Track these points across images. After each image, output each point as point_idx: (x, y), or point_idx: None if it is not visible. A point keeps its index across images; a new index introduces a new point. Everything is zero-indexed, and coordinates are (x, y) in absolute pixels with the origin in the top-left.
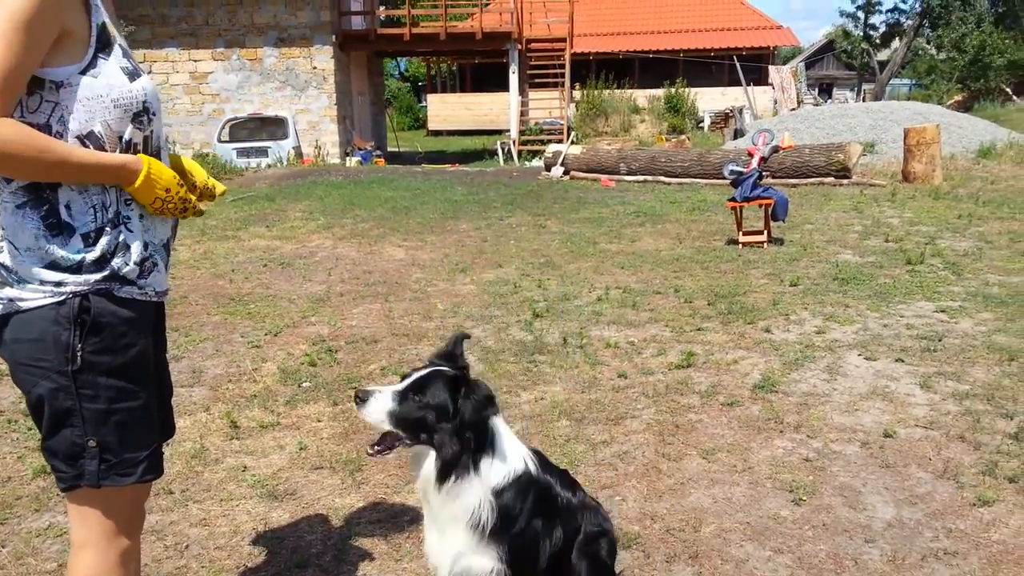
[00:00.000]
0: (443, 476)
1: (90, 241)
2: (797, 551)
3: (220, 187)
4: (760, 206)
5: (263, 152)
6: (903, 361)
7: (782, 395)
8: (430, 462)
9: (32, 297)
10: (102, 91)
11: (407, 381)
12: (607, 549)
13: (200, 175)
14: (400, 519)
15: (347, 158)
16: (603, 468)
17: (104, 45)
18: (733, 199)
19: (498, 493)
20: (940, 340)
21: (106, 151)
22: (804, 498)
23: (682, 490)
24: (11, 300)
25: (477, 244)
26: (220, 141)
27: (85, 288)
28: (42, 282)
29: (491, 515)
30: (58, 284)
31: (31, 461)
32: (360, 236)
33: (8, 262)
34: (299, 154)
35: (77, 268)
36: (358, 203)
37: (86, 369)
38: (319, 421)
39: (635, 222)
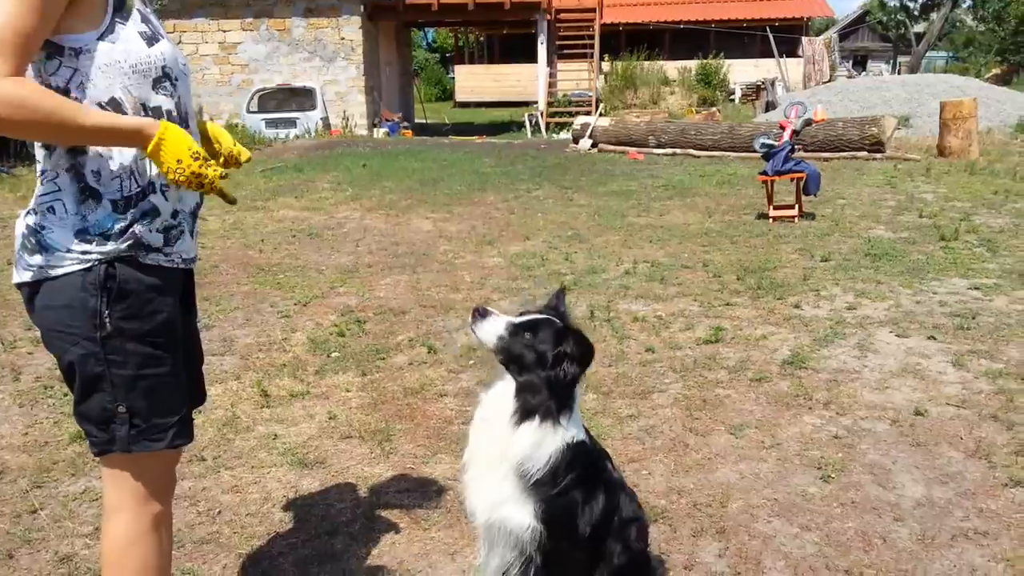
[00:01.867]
0: (522, 416)
1: (119, 208)
2: (825, 528)
3: (245, 153)
4: (792, 180)
5: (291, 123)
6: (935, 339)
7: (811, 371)
8: (510, 396)
9: (61, 264)
10: (120, 57)
11: (522, 317)
12: (637, 534)
13: (226, 141)
14: (428, 489)
15: (374, 129)
16: (630, 442)
17: (121, 9)
18: (764, 172)
19: (558, 452)
20: (974, 318)
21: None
22: (833, 475)
23: (709, 465)
24: (41, 267)
25: (504, 216)
26: (249, 112)
27: (110, 255)
28: (69, 250)
29: (542, 469)
30: (84, 252)
31: (67, 426)
32: (388, 207)
33: (40, 226)
34: (327, 125)
35: (104, 236)
36: (385, 174)
37: (114, 335)
38: (348, 391)
39: (664, 195)
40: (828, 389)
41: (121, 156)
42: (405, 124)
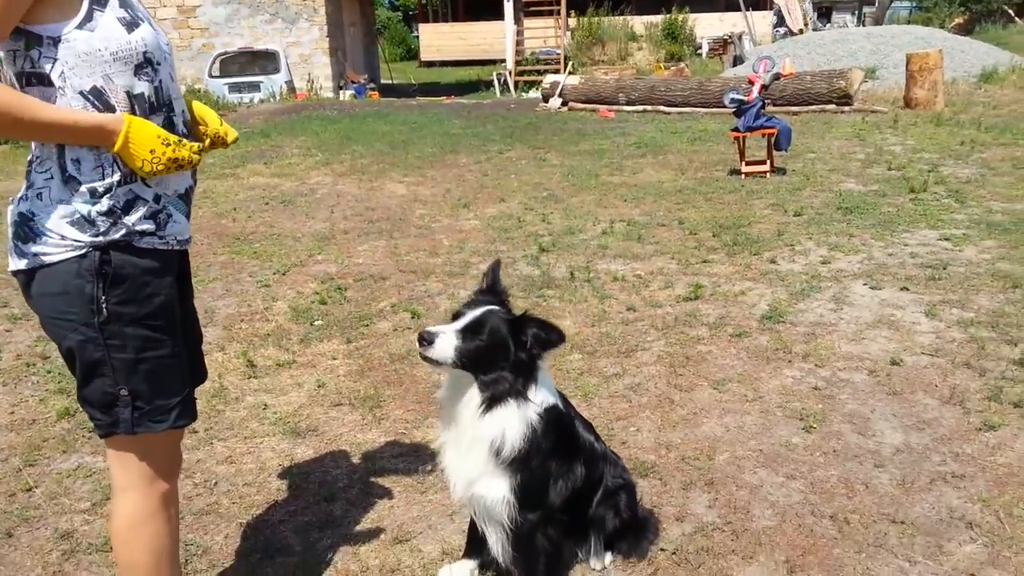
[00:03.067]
0: (490, 404)
1: (97, 195)
2: (809, 476)
3: (232, 134)
4: (763, 136)
5: (255, 87)
6: (908, 289)
7: (789, 325)
8: (473, 388)
9: (54, 252)
10: (100, 45)
11: (464, 320)
12: (627, 500)
13: (213, 122)
14: (421, 453)
15: (341, 91)
16: (616, 400)
17: None
18: (736, 129)
19: (531, 425)
20: (944, 268)
21: (111, 105)
22: (814, 426)
23: (695, 420)
24: (35, 255)
25: (478, 179)
26: (211, 76)
27: (103, 241)
28: (63, 237)
29: (516, 445)
30: (76, 239)
31: (53, 403)
32: (360, 172)
33: (32, 213)
34: (292, 88)
35: (91, 223)
36: (355, 138)
37: (112, 320)
38: (334, 359)
39: (636, 153)
40: (806, 342)
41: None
42: (371, 85)
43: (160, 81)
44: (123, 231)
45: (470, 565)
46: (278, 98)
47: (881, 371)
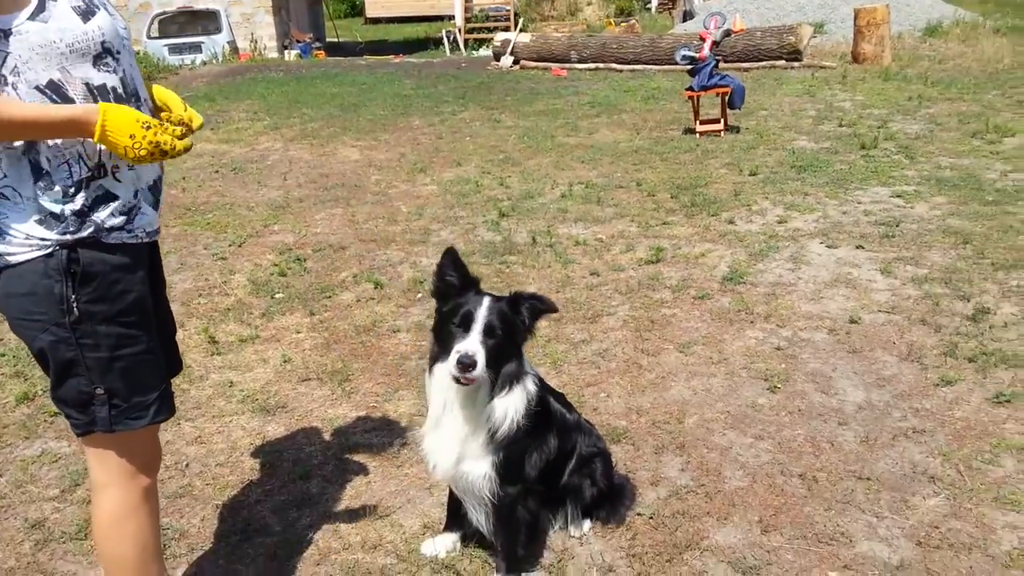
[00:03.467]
0: (502, 387)
1: (69, 193)
2: (776, 436)
3: (198, 119)
4: (717, 95)
5: (196, 48)
6: (863, 248)
7: (750, 286)
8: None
9: (19, 251)
10: (54, 37)
11: (479, 327)
12: (602, 468)
13: (176, 107)
14: (394, 427)
15: (285, 52)
16: (585, 366)
17: None
18: (691, 88)
19: (521, 404)
20: (897, 225)
21: (70, 99)
22: (779, 386)
23: (663, 384)
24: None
25: (432, 142)
26: (149, 37)
27: (70, 239)
28: (28, 236)
29: (508, 427)
30: (43, 238)
31: (11, 388)
32: (311, 137)
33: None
34: (235, 49)
35: (60, 220)
36: (303, 101)
37: (84, 319)
38: (299, 332)
39: (590, 113)
40: (767, 303)
41: (66, 141)
42: (317, 44)
43: (124, 71)
44: (91, 228)
45: (452, 537)
46: (221, 60)
47: (840, 330)
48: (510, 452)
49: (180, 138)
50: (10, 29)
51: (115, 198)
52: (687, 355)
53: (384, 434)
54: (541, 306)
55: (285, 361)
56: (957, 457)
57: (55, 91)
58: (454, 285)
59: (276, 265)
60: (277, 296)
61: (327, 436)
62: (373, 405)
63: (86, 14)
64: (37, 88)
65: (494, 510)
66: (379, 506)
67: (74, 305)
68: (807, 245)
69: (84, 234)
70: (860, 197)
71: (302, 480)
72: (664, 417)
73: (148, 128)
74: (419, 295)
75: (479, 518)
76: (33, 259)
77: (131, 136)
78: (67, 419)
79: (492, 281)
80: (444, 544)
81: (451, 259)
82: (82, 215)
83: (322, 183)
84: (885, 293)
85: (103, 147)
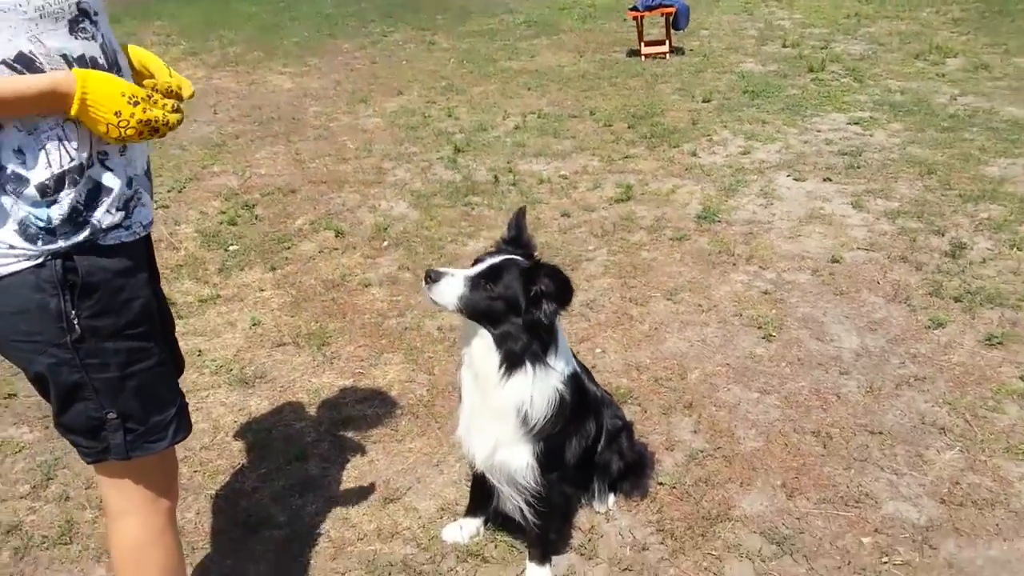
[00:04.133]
0: (511, 366)
1: (48, 192)
2: (781, 390)
3: (188, 86)
4: (662, 15)
5: None
6: (831, 180)
7: (725, 224)
8: (491, 349)
9: (3, 262)
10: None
11: (480, 266)
12: (628, 442)
13: (161, 74)
14: (386, 396)
15: None
16: (575, 319)
17: None
18: (635, 8)
19: (555, 394)
20: (860, 155)
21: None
22: (773, 333)
23: (657, 336)
24: None
25: (367, 67)
26: None
27: (63, 246)
28: (12, 246)
29: (546, 411)
30: (28, 248)
31: None
32: (235, 63)
33: None
34: None
35: (49, 232)
36: (219, 21)
37: (87, 336)
38: (262, 290)
39: (529, 34)
40: (746, 243)
41: (43, 124)
42: None
43: (103, 36)
44: (87, 230)
45: (476, 522)
46: None
47: (823, 270)
48: (551, 442)
49: (172, 112)
50: None
51: (108, 190)
52: (676, 303)
53: (377, 404)
54: (554, 287)
55: (254, 324)
56: (962, 406)
57: (27, 66)
58: (503, 240)
59: (224, 213)
60: (231, 248)
61: (315, 409)
62: (359, 372)
63: None
64: (4, 63)
65: (533, 498)
66: (388, 488)
67: (75, 322)
68: (775, 179)
69: (80, 238)
70: (818, 125)
71: (299, 461)
72: (665, 373)
73: (136, 104)
74: (385, 243)
75: (515, 505)
76: (21, 271)
77: (116, 113)
78: (74, 446)
79: (461, 225)
80: (468, 529)
81: (516, 217)
82: (75, 217)
83: (256, 116)
84: (861, 229)
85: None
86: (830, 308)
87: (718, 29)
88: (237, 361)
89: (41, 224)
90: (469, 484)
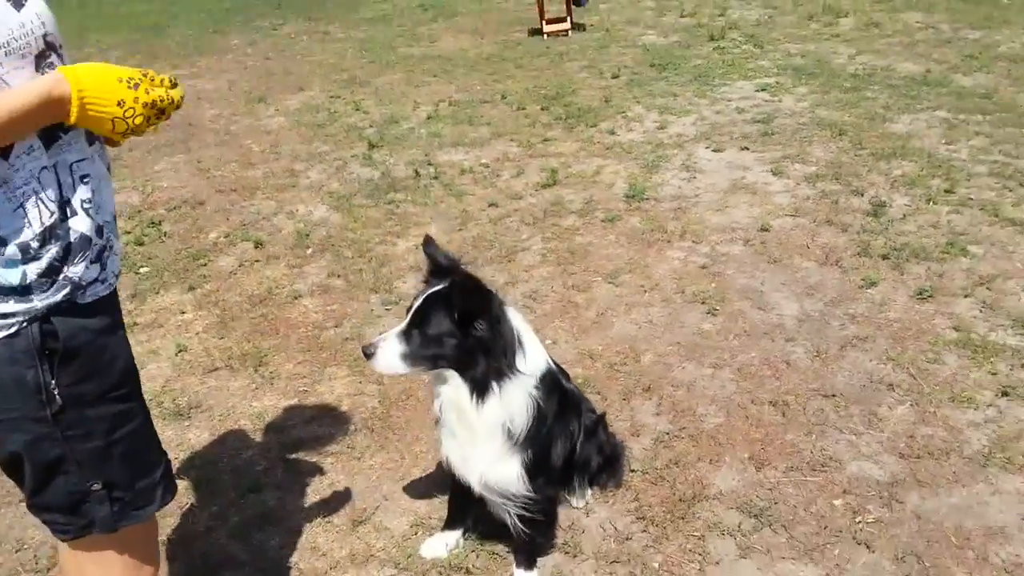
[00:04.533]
0: (480, 392)
1: (30, 252)
2: (733, 363)
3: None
4: None
5: None
6: (748, 149)
7: (653, 202)
8: (457, 382)
9: None
10: None
11: (408, 316)
12: (605, 435)
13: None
14: (334, 412)
15: None
16: (520, 311)
17: None
18: None
19: (531, 400)
20: (772, 122)
21: None
22: (717, 307)
23: (604, 321)
24: None
25: (261, 64)
26: None
27: (41, 308)
28: None
29: (526, 421)
30: (4, 315)
31: None
32: None
33: None
34: None
35: (24, 290)
36: (92, 26)
37: (69, 406)
38: (183, 313)
39: (426, 18)
40: (676, 219)
41: (18, 176)
42: None
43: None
44: (66, 288)
45: (455, 535)
46: None
47: (755, 239)
48: (537, 447)
49: (172, 87)
50: None
51: (86, 240)
52: (618, 286)
53: (328, 422)
54: (471, 303)
55: (180, 350)
56: (905, 361)
57: None
58: (428, 273)
59: (129, 233)
60: (142, 271)
61: (261, 435)
62: (303, 390)
63: (16, 0)
64: None
65: (524, 507)
66: (354, 509)
67: (55, 392)
68: (694, 152)
69: (59, 297)
70: (727, 94)
71: (253, 493)
72: (619, 358)
73: (136, 86)
74: (309, 250)
75: (507, 517)
76: None
77: (119, 103)
78: (48, 525)
79: (387, 225)
80: (446, 543)
81: (426, 250)
82: (51, 273)
83: None
84: (784, 196)
85: (71, 162)
86: (767, 277)
87: (616, 2)
88: (167, 393)
89: (13, 283)
90: (444, 496)
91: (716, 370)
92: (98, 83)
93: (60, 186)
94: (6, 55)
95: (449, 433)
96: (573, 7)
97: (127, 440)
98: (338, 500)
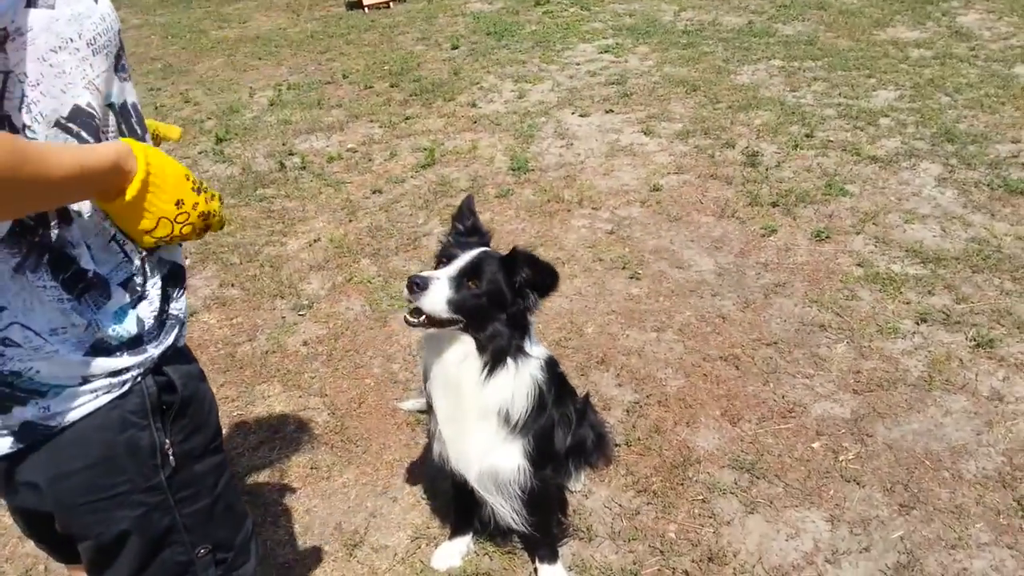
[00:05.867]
0: (494, 365)
1: (136, 289)
2: (672, 324)
3: (176, 131)
4: None
5: None
6: (613, 111)
7: (540, 172)
8: (469, 353)
9: (75, 405)
10: (70, 31)
11: (457, 264)
12: (594, 417)
13: (174, 134)
14: (284, 431)
15: None
16: None
17: None
18: None
19: (534, 384)
20: (626, 83)
21: (100, 136)
22: (638, 271)
23: None
24: (32, 423)
25: None
26: None
27: (153, 357)
28: (86, 379)
29: (526, 405)
30: (115, 373)
31: None
32: None
33: (22, 364)
34: None
35: (133, 339)
36: None
37: (181, 466)
38: None
39: None
40: (568, 187)
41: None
42: None
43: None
44: (176, 329)
45: (465, 540)
46: None
47: (649, 200)
48: (539, 435)
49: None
50: (4, 29)
51: (181, 269)
52: None
53: (280, 445)
54: (537, 276)
55: None
56: (826, 301)
57: (85, 126)
58: (459, 232)
59: None
60: None
61: None
62: (237, 414)
63: None
64: (58, 126)
65: (527, 499)
66: (343, 533)
67: (169, 452)
68: (562, 118)
69: (169, 340)
70: (573, 58)
71: None
72: (562, 334)
73: (200, 191)
74: (187, 260)
75: (508, 513)
76: (98, 410)
77: (178, 203)
78: None
79: (269, 225)
80: (458, 550)
81: (466, 206)
82: (162, 313)
83: None
84: (663, 155)
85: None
86: (673, 236)
87: None
88: None
89: (126, 335)
90: (436, 502)
91: (659, 333)
92: (165, 171)
93: None
94: (94, 54)
95: (445, 419)
96: None
97: (226, 493)
98: (322, 526)
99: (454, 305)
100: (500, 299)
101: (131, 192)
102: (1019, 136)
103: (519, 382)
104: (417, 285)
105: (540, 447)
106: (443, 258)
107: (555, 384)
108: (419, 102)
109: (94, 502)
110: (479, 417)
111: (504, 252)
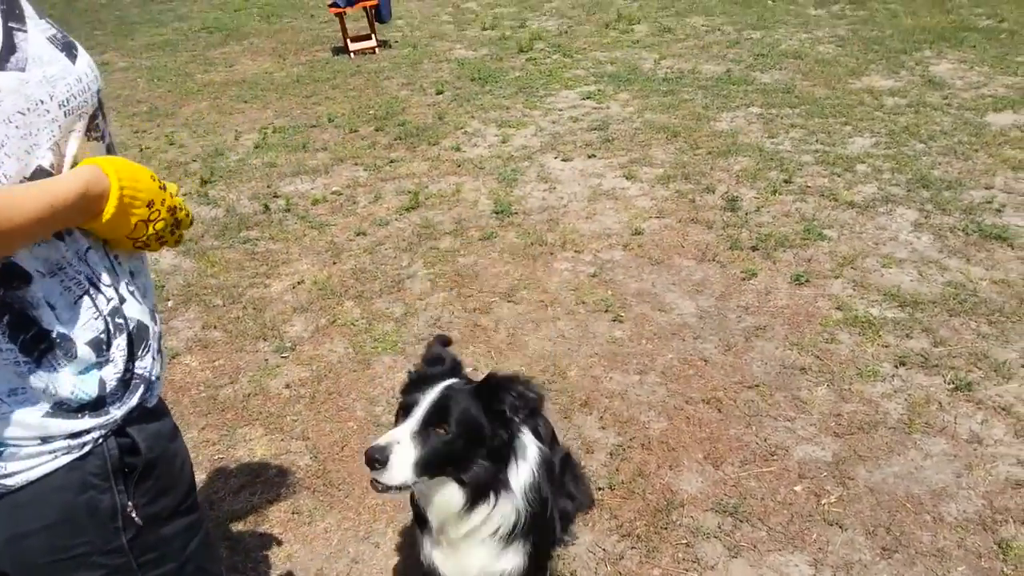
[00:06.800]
0: (475, 502)
1: (103, 348)
2: (654, 367)
3: (172, 188)
4: (364, 8)
5: None
6: (595, 156)
7: (523, 215)
8: (452, 493)
9: (30, 466)
10: (41, 93)
11: (418, 415)
12: (573, 470)
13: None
14: (265, 475)
15: None
16: (422, 345)
17: (13, 8)
18: (335, 4)
19: (526, 497)
20: (608, 128)
21: None
22: (620, 314)
23: (517, 341)
24: None
25: None
26: None
27: (117, 418)
28: (45, 439)
29: (520, 521)
30: (74, 434)
31: None
32: None
33: None
34: None
35: (96, 400)
36: None
37: (146, 528)
38: None
39: (215, 41)
40: (551, 230)
41: (69, 256)
42: None
43: (108, 133)
44: (140, 389)
45: None
46: None
47: (631, 244)
48: (537, 534)
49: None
50: None
51: (145, 329)
52: (517, 303)
53: (261, 490)
54: (523, 400)
55: None
56: (806, 344)
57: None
58: (424, 363)
59: None
60: None
61: None
62: (218, 458)
63: (67, 47)
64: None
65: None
66: None
67: (133, 515)
68: (545, 163)
69: (133, 402)
70: (556, 104)
71: None
72: (545, 376)
73: (163, 187)
74: (169, 302)
75: None
76: (57, 470)
77: (149, 204)
78: None
79: (253, 268)
80: None
81: (437, 344)
82: (126, 373)
83: None
84: (643, 199)
85: (95, 247)
86: (655, 279)
87: (411, 18)
88: None
89: (87, 398)
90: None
91: (642, 376)
92: (137, 181)
93: (113, 267)
94: (65, 116)
95: (439, 537)
96: (377, 24)
97: (196, 554)
98: (303, 572)
99: (422, 465)
100: (477, 435)
101: (108, 213)
102: (992, 182)
103: (507, 505)
104: (377, 461)
105: (540, 543)
106: (404, 408)
107: (547, 479)
108: (404, 146)
109: (53, 562)
110: (474, 540)
111: (476, 378)
